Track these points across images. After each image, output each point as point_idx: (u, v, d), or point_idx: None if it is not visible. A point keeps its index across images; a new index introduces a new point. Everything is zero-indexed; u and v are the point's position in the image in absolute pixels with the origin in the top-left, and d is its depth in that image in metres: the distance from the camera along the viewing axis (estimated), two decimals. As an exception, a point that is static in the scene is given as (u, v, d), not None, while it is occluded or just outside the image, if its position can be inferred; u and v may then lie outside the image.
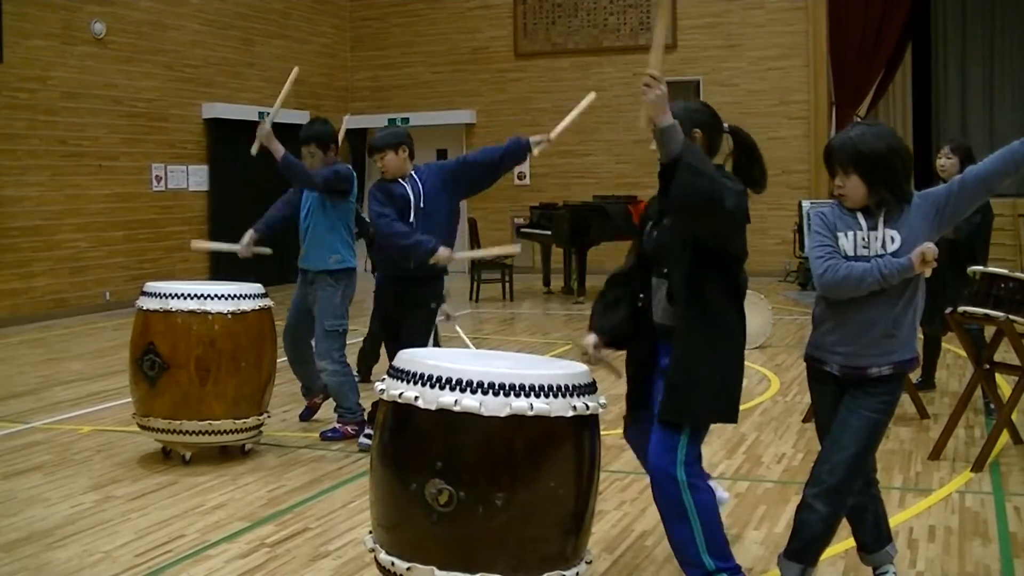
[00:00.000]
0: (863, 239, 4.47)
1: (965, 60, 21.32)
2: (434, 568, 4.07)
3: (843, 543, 5.56)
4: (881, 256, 4.38)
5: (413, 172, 7.56)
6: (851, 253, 4.47)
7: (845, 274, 4.39)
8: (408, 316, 7.51)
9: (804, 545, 4.63)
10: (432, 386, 4.09)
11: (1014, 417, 7.41)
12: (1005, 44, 21.12)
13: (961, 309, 7.09)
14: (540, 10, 21.53)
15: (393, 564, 4.19)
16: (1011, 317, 6.79)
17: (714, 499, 4.71)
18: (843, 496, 4.57)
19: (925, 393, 8.89)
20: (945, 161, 8.49)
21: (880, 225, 4.44)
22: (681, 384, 4.64)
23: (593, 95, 7.71)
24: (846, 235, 4.50)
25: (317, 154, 7.89)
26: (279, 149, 7.56)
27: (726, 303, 4.79)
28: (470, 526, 4.05)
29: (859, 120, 4.38)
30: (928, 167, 9.35)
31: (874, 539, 4.92)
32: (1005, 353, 7.45)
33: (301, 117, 20.37)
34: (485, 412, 4.01)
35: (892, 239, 4.41)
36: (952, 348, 10.25)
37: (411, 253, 7.22)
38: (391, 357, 8.24)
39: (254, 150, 7.79)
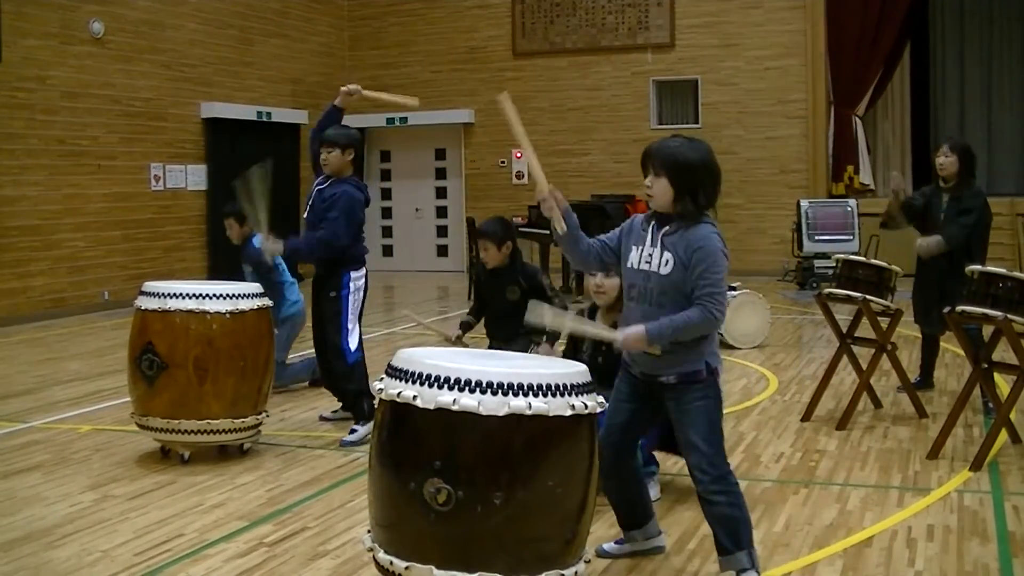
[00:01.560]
0: (648, 255, 4.82)
1: (963, 59, 21.30)
2: (432, 567, 4.07)
3: (841, 542, 5.57)
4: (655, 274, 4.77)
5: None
6: (636, 266, 4.86)
7: None
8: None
9: (731, 532, 4.81)
10: (430, 385, 4.09)
11: (1012, 416, 7.41)
12: (1003, 43, 21.11)
13: (959, 308, 7.10)
14: (538, 9, 21.53)
15: (391, 563, 4.19)
16: (1009, 316, 6.79)
17: None
18: (726, 476, 4.83)
19: (923, 392, 8.89)
20: (944, 159, 8.48)
21: (659, 243, 4.77)
22: None
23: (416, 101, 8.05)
24: (636, 247, 4.89)
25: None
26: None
27: None
28: (468, 525, 4.05)
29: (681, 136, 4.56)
30: (927, 165, 9.34)
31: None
32: (1003, 352, 7.45)
33: (299, 116, 20.48)
34: (483, 411, 4.01)
35: (667, 262, 4.74)
36: (950, 347, 10.25)
37: None
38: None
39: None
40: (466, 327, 7.97)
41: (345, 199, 7.79)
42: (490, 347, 7.82)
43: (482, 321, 8.05)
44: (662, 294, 4.74)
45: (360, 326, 8.07)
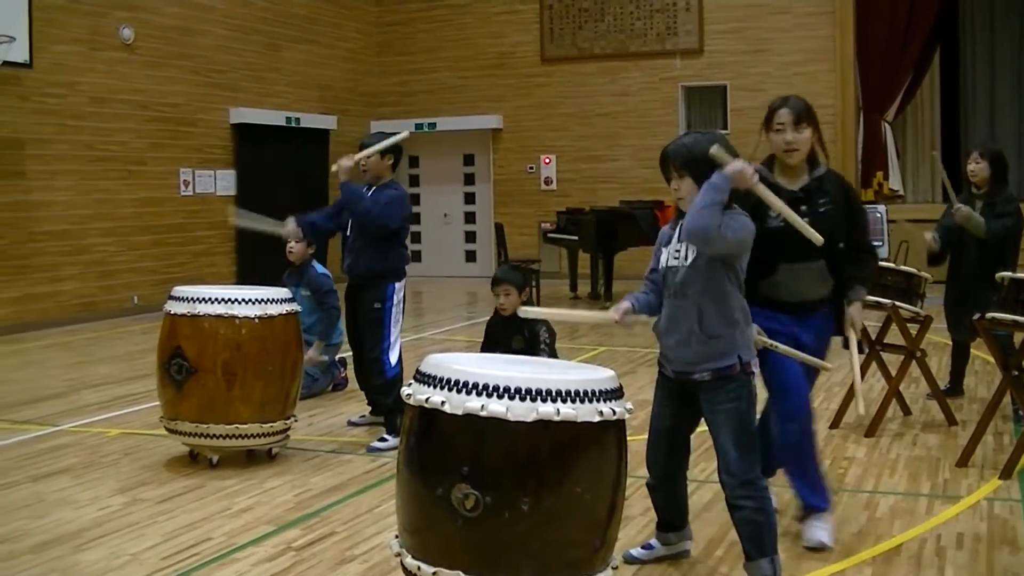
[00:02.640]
0: (675, 250, 4.89)
1: (994, 63, 21.17)
2: (460, 572, 4.06)
3: (870, 549, 5.55)
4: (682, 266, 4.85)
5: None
6: (666, 264, 4.93)
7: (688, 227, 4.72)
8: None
9: (755, 538, 4.82)
10: (458, 391, 4.09)
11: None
12: (1034, 47, 21.01)
13: (989, 315, 7.06)
14: (566, 15, 21.53)
15: (419, 568, 4.19)
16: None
17: None
18: (754, 481, 4.84)
19: (953, 399, 8.85)
20: (974, 166, 8.44)
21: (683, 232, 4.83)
22: None
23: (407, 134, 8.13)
24: (665, 248, 4.98)
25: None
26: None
27: None
28: (496, 531, 4.05)
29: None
30: (957, 171, 9.28)
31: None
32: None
33: (327, 122, 20.55)
34: (511, 417, 4.01)
35: (691, 251, 4.81)
36: (981, 354, 10.20)
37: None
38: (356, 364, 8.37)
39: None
40: None
41: (395, 191, 8.03)
42: None
43: None
44: (684, 284, 4.80)
45: (400, 339, 8.08)
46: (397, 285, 7.98)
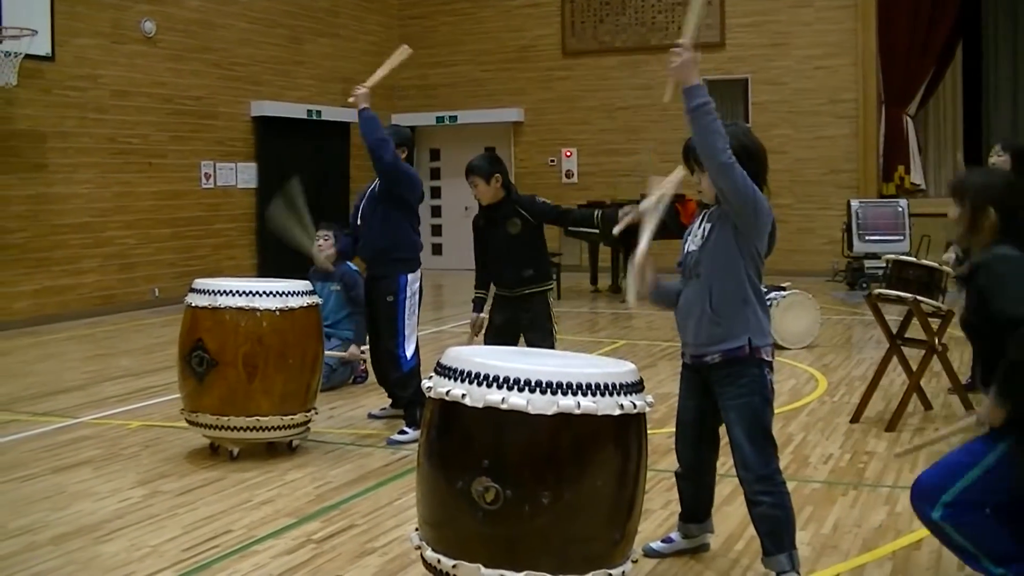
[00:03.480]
0: (694, 236, 4.94)
1: (1017, 57, 21.07)
2: (480, 566, 4.06)
3: (891, 544, 5.53)
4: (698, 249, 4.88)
5: None
6: (687, 250, 4.97)
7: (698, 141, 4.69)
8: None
9: (773, 533, 4.83)
10: (479, 384, 4.09)
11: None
12: (1057, 41, 20.91)
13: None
14: (588, 8, 21.50)
15: (439, 561, 4.19)
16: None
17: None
18: (772, 476, 4.82)
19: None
20: (997, 159, 8.41)
21: (702, 221, 4.90)
22: None
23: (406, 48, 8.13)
24: (689, 238, 5.00)
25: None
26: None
27: None
28: (516, 524, 4.05)
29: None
30: (979, 165, 9.25)
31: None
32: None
33: (348, 115, 20.49)
34: (532, 410, 4.00)
35: (706, 230, 4.86)
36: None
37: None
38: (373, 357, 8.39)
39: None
40: (479, 304, 7.94)
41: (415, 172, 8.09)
42: (496, 296, 7.85)
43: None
44: (698, 263, 4.85)
45: (416, 331, 8.08)
46: (411, 277, 7.95)
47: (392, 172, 7.87)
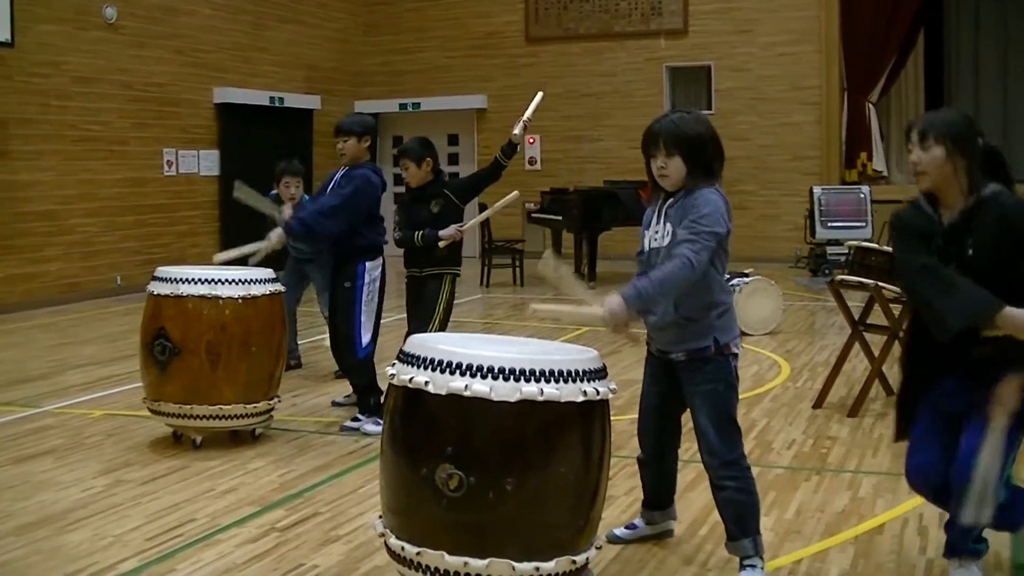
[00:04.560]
0: (655, 232, 4.86)
1: (978, 45, 21.20)
2: (444, 553, 4.07)
3: (853, 529, 5.57)
4: (662, 248, 4.81)
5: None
6: (648, 248, 4.89)
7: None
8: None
9: (737, 518, 4.85)
10: (442, 371, 4.10)
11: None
12: (1019, 28, 20.98)
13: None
14: (552, -5, 21.51)
15: (403, 549, 4.20)
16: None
17: None
18: (737, 461, 4.85)
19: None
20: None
21: (663, 217, 4.82)
22: None
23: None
24: (647, 231, 4.92)
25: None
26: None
27: None
28: (480, 511, 4.06)
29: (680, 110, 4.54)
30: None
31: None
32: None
33: (312, 102, 20.50)
34: (495, 397, 4.01)
35: (668, 234, 4.78)
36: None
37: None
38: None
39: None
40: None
41: (361, 178, 7.84)
42: (407, 277, 8.20)
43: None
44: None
45: (378, 319, 8.06)
46: (369, 265, 7.92)
47: (353, 220, 7.89)
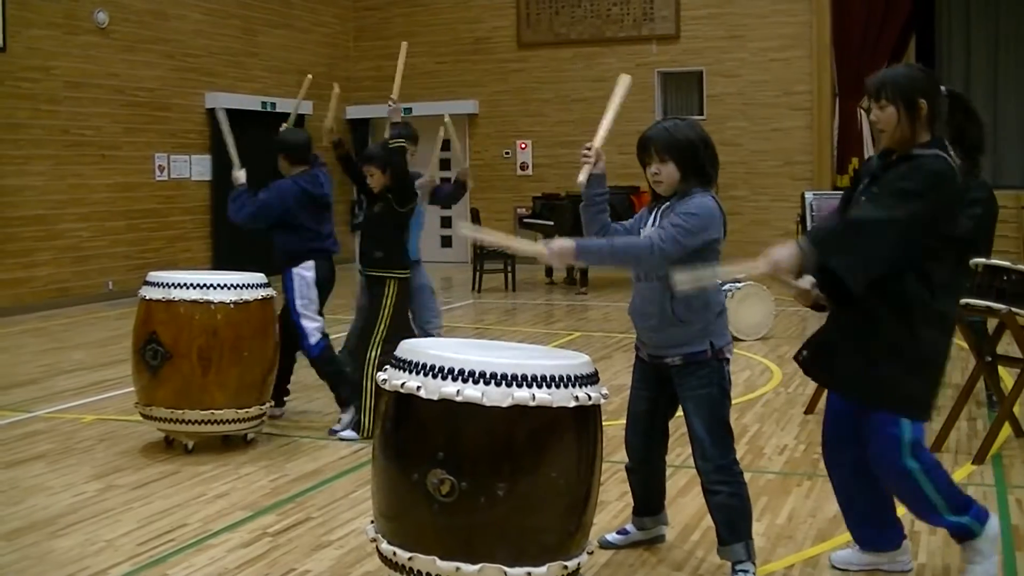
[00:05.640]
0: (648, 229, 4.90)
1: (969, 50, 21.22)
2: (435, 558, 4.07)
3: (845, 534, 5.56)
4: None
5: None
6: None
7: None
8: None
9: (730, 523, 4.86)
10: (434, 376, 4.10)
11: (1016, 410, 7.40)
12: (1009, 34, 21.01)
13: (963, 301, 7.07)
14: (543, 1, 21.49)
15: (395, 554, 4.20)
16: (1013, 310, 6.78)
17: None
18: (730, 467, 4.87)
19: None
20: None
21: (657, 221, 4.86)
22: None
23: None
24: (641, 231, 4.94)
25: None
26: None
27: None
28: (472, 516, 4.06)
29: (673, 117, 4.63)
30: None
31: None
32: (1007, 346, 7.47)
33: (303, 107, 20.35)
34: (487, 402, 4.02)
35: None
36: (955, 340, 10.23)
37: None
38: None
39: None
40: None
41: (275, 188, 8.13)
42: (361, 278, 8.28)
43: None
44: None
45: (319, 319, 8.11)
46: (295, 270, 8.00)
47: (260, 223, 8.09)
